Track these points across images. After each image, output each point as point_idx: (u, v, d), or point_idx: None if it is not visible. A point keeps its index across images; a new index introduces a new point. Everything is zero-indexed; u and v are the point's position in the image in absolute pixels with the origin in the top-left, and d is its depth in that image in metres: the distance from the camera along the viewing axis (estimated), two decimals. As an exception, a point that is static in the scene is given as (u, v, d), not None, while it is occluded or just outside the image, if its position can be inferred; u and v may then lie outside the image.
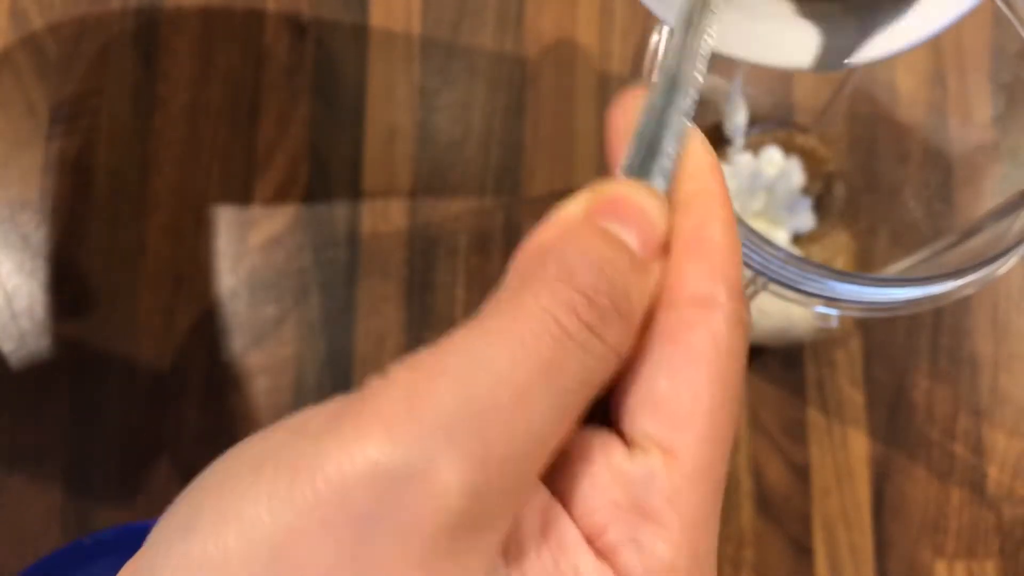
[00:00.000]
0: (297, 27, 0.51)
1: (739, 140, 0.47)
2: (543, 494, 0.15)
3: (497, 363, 0.14)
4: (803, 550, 0.45)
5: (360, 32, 0.51)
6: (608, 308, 0.15)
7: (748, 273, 0.31)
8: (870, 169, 0.48)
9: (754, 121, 0.47)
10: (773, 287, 0.31)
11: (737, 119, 0.47)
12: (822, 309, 0.31)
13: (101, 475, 0.46)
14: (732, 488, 0.46)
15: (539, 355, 0.14)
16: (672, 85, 0.18)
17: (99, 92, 0.50)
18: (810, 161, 0.47)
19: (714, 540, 0.15)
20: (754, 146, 0.47)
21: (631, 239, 0.16)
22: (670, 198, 0.17)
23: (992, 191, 0.40)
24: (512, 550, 0.14)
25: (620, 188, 0.17)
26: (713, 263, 0.16)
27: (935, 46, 0.48)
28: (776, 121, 0.48)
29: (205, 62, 0.50)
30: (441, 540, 0.13)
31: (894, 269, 0.43)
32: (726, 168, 0.46)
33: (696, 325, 0.16)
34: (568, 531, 0.15)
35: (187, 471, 0.46)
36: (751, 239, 0.30)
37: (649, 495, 0.15)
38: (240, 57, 0.50)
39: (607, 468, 0.15)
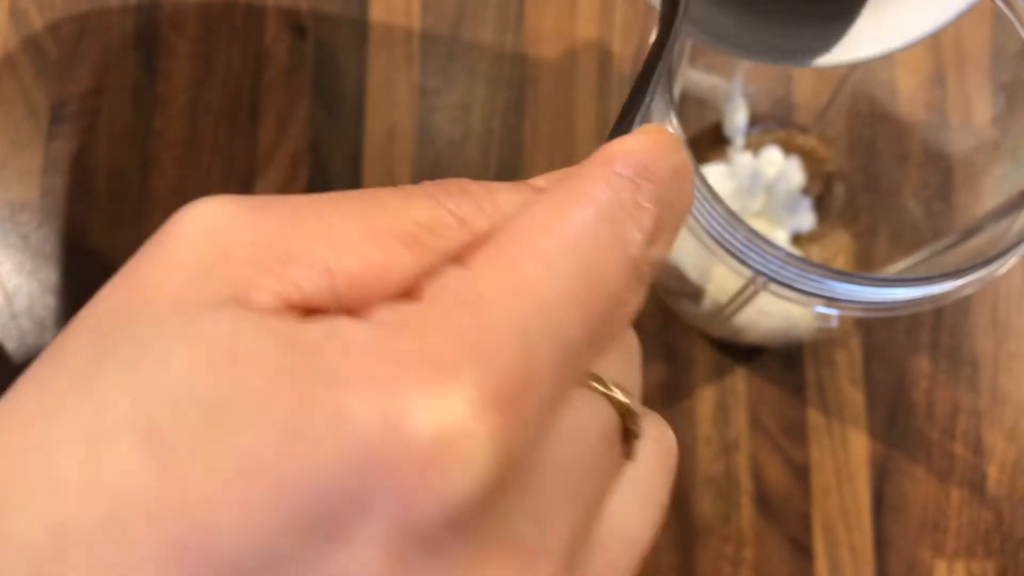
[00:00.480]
0: (297, 27, 0.51)
1: (739, 140, 0.47)
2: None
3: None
4: (803, 550, 0.45)
5: (360, 32, 0.51)
6: (451, 182, 0.15)
7: (748, 273, 0.31)
8: (870, 169, 0.48)
9: (754, 121, 0.47)
10: (773, 287, 0.31)
11: (737, 119, 0.47)
12: (822, 309, 0.31)
13: (101, 475, 0.46)
14: (732, 488, 0.46)
15: (364, 193, 0.15)
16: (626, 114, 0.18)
17: (99, 92, 0.50)
18: (810, 161, 0.47)
19: (518, 346, 0.13)
20: (754, 146, 0.47)
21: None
22: None
23: (992, 191, 0.40)
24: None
25: None
26: (597, 156, 0.16)
27: (935, 46, 0.48)
28: (776, 121, 0.48)
29: (205, 62, 0.50)
30: (195, 255, 0.14)
31: (894, 269, 0.43)
32: (726, 168, 0.46)
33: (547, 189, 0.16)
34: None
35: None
36: (751, 239, 0.30)
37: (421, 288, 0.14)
38: (240, 57, 0.50)
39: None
